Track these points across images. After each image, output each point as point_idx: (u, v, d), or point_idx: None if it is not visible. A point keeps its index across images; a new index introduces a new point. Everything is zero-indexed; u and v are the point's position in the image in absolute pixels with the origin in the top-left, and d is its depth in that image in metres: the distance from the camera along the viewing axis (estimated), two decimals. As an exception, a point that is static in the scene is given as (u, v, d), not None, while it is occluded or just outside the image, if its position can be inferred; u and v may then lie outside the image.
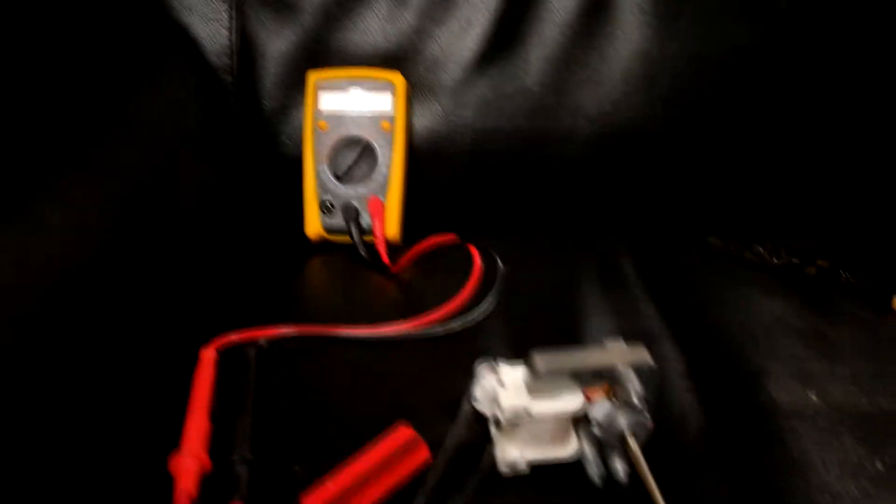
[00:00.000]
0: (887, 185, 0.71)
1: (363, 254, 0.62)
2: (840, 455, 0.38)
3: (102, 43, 0.61)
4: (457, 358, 0.46)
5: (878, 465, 0.37)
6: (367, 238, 0.63)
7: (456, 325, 0.51)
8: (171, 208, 0.59)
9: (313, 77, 0.66)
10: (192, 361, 0.45)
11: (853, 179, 0.72)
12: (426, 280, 0.60)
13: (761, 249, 0.64)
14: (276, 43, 0.69)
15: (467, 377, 0.38)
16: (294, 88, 0.69)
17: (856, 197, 0.72)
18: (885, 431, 0.40)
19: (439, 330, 0.50)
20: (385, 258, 0.61)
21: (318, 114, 0.66)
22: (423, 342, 0.49)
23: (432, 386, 0.44)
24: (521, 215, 0.72)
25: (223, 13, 0.69)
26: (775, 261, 0.62)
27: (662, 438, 0.39)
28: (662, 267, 0.62)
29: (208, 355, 0.45)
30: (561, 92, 0.69)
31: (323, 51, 0.69)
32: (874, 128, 0.71)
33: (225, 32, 0.69)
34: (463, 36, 0.69)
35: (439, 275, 0.59)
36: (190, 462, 0.35)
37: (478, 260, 0.59)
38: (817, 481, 0.37)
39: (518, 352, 0.38)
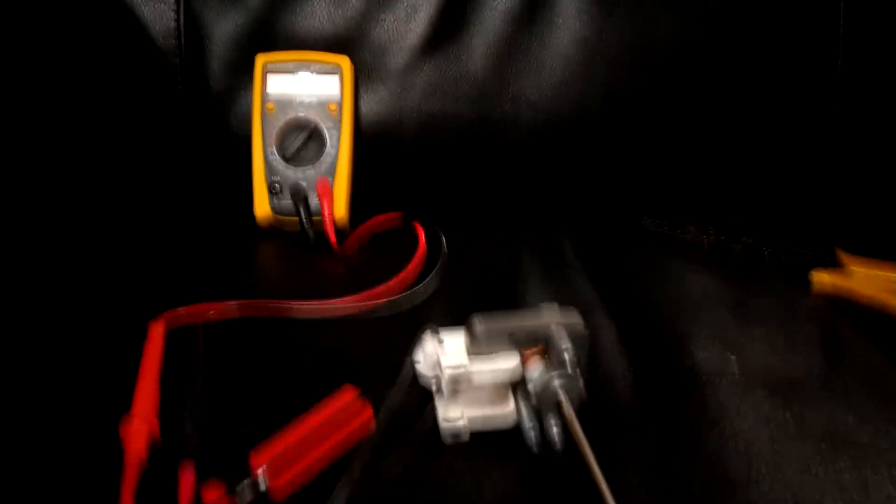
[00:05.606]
0: (806, 169, 0.76)
1: (310, 235, 0.63)
2: (753, 408, 0.41)
3: (46, 22, 0.60)
4: (400, 330, 0.48)
5: (787, 415, 0.41)
6: (315, 219, 0.64)
7: (400, 299, 0.52)
8: (120, 189, 0.59)
9: (261, 60, 0.67)
10: (142, 336, 0.45)
11: (776, 164, 0.76)
12: (373, 259, 0.61)
13: (692, 229, 0.68)
14: (223, 25, 0.69)
15: (410, 346, 0.40)
16: (241, 71, 0.70)
17: (779, 180, 0.76)
18: (794, 388, 0.43)
19: (384, 304, 0.52)
20: (332, 239, 0.62)
21: (265, 96, 0.67)
22: (368, 317, 0.51)
23: (376, 355, 0.46)
24: (466, 197, 0.74)
25: (169, -6, 0.69)
26: (704, 239, 0.66)
27: (596, 400, 0.41)
28: (599, 246, 0.64)
29: (157, 328, 0.46)
30: (503, 77, 0.71)
31: (270, 34, 0.70)
32: (795, 116, 0.75)
33: (171, 14, 0.69)
34: (408, 21, 0.71)
35: (386, 254, 0.60)
36: (140, 426, 0.36)
37: (422, 237, 0.61)
38: (731, 430, 0.40)
39: (460, 323, 0.40)
